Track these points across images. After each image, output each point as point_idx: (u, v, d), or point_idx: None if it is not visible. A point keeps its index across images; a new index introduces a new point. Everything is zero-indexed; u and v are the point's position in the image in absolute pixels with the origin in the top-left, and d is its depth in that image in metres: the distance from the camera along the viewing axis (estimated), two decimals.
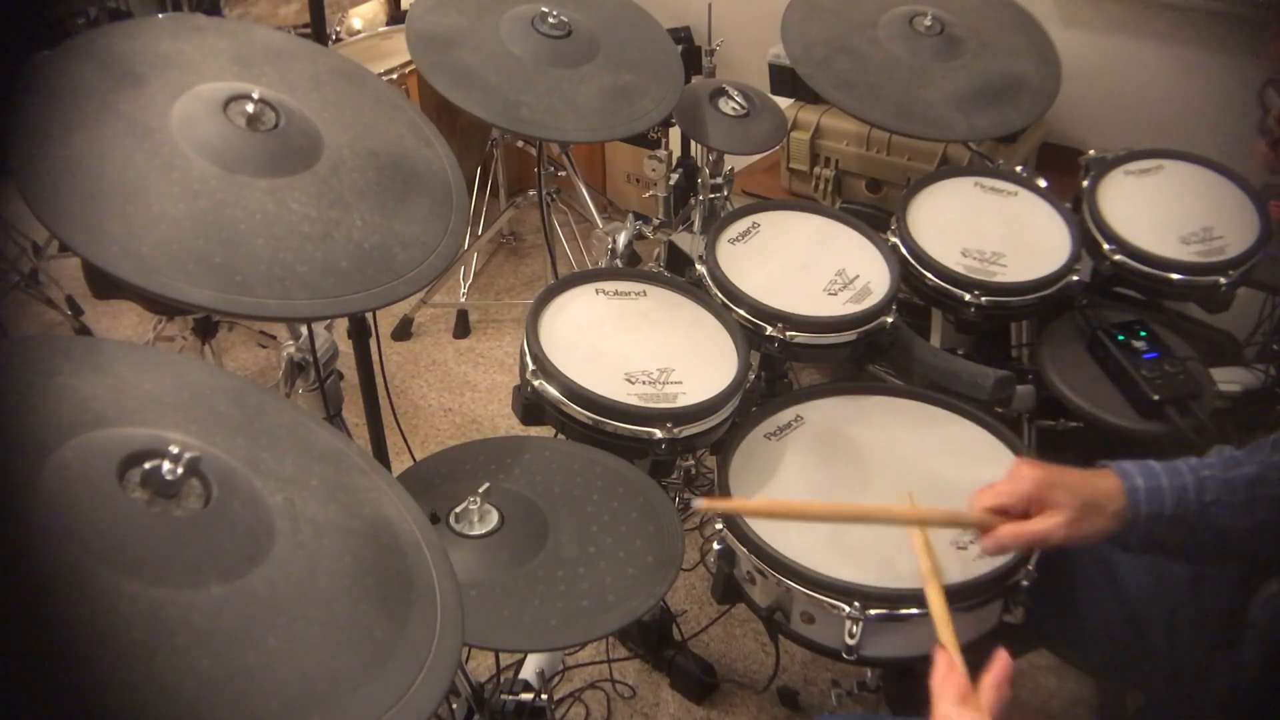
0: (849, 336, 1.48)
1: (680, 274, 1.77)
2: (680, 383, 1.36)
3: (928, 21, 1.73)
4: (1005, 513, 1.07)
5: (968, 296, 1.54)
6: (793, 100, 2.27)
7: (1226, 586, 1.15)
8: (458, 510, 1.14)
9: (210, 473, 0.76)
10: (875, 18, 1.77)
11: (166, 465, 0.73)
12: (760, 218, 1.66)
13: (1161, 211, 1.64)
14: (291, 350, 1.52)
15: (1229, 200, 1.66)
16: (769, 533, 1.22)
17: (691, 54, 2.45)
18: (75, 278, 2.60)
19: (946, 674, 0.94)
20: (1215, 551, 1.06)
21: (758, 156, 2.46)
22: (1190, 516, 1.03)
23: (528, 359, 1.35)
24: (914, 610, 1.14)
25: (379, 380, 1.70)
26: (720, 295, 1.51)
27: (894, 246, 1.60)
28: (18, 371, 0.78)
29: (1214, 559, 1.12)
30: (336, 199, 1.09)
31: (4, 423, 0.73)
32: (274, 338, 2.52)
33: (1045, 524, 1.04)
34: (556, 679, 1.79)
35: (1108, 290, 1.65)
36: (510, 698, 1.24)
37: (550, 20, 1.52)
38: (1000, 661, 0.93)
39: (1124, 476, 1.05)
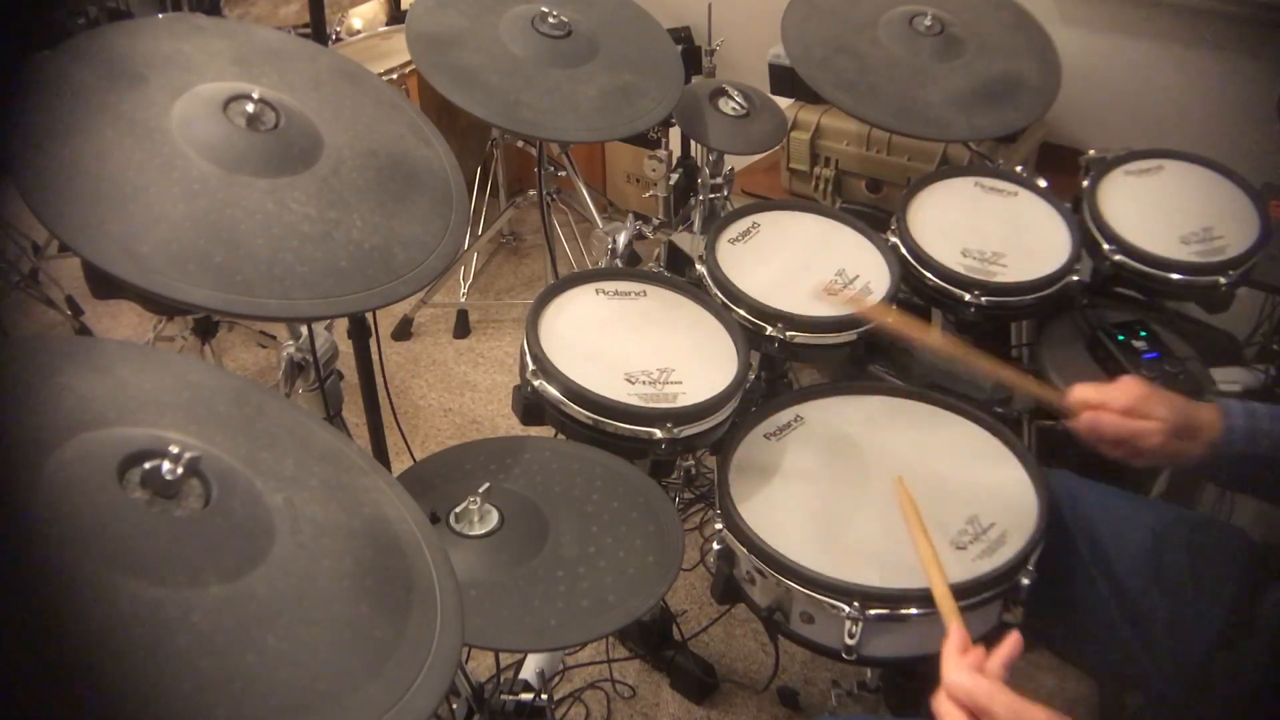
0: (849, 336, 1.48)
1: (680, 274, 1.77)
2: (680, 383, 1.36)
3: (927, 21, 1.73)
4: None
5: (968, 296, 1.54)
6: (793, 100, 2.27)
7: (1227, 586, 1.15)
8: (458, 510, 1.14)
9: (210, 473, 0.76)
10: (875, 18, 1.77)
11: (166, 465, 0.73)
12: (760, 218, 1.66)
13: (1161, 211, 1.64)
14: (291, 350, 1.52)
15: (1229, 200, 1.66)
16: (769, 533, 1.22)
17: (691, 54, 2.45)
18: (75, 278, 2.60)
19: (960, 647, 0.90)
20: None
21: (758, 156, 2.46)
22: None
23: (528, 359, 1.35)
24: (914, 610, 1.14)
25: (379, 380, 1.70)
26: (720, 295, 1.51)
27: (894, 246, 1.60)
28: (18, 371, 0.78)
29: None
30: (336, 199, 1.09)
31: (4, 423, 0.73)
32: (274, 338, 2.52)
33: (1146, 425, 1.08)
34: (556, 679, 1.79)
35: (1108, 290, 1.65)
36: (510, 698, 1.24)
37: (550, 20, 1.52)
38: (1012, 639, 0.90)
39: (1225, 412, 1.09)
